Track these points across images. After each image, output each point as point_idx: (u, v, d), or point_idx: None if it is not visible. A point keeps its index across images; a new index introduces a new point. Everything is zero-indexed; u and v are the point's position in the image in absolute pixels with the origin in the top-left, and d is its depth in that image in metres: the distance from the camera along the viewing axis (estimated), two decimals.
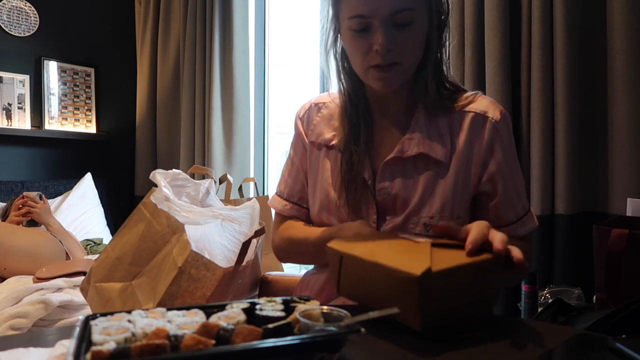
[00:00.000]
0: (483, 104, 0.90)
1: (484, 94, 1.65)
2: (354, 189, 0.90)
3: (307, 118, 1.01)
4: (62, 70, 2.90)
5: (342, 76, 0.94)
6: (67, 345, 0.56)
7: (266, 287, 1.39)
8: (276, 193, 1.06)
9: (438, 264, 0.61)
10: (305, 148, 1.00)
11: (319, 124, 0.98)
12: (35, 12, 2.81)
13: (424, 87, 0.89)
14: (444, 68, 0.91)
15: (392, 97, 0.92)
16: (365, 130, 0.92)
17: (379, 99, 0.94)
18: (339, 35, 0.92)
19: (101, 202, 2.81)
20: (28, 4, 2.78)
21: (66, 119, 2.92)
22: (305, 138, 1.00)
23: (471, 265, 0.63)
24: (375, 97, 0.94)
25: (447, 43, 0.91)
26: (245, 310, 0.57)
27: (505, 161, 0.89)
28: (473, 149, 0.88)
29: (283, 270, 1.79)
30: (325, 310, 0.56)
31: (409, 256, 0.65)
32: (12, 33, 2.73)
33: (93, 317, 0.55)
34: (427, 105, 0.89)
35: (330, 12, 0.90)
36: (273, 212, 1.71)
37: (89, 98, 3.02)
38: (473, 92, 0.93)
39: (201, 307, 0.58)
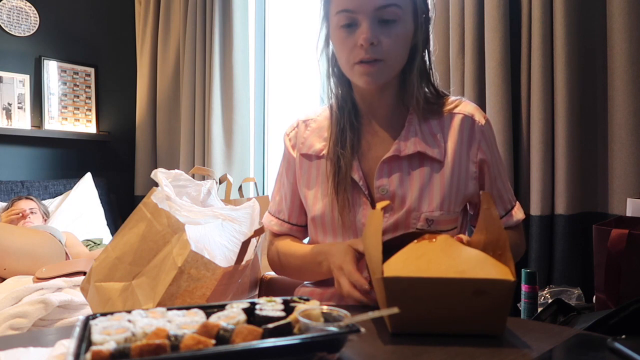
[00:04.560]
0: (469, 107, 0.95)
1: (484, 94, 1.67)
2: (343, 190, 0.92)
3: (295, 135, 1.04)
4: (62, 70, 2.90)
5: (331, 80, 0.97)
6: (67, 345, 0.56)
7: (266, 287, 1.39)
8: (267, 210, 1.12)
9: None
10: (292, 165, 1.03)
11: (309, 137, 1.01)
12: (35, 12, 2.81)
13: (413, 91, 0.91)
14: (431, 74, 0.95)
15: (380, 100, 0.94)
16: (352, 132, 0.94)
17: (367, 102, 0.96)
18: (330, 38, 0.94)
19: (101, 202, 2.81)
20: (28, 4, 2.78)
21: (66, 118, 2.92)
22: (292, 154, 1.03)
23: (458, 281, 0.62)
24: (364, 100, 0.96)
25: (432, 50, 0.94)
26: (245, 310, 0.57)
27: (492, 162, 0.95)
28: (465, 148, 0.93)
29: None
30: (325, 310, 0.56)
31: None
32: (12, 33, 2.73)
33: (93, 316, 0.55)
34: (417, 109, 0.92)
35: (322, 12, 0.93)
36: None
37: (89, 98, 3.02)
38: (457, 97, 0.97)
39: (201, 307, 0.58)
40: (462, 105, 0.95)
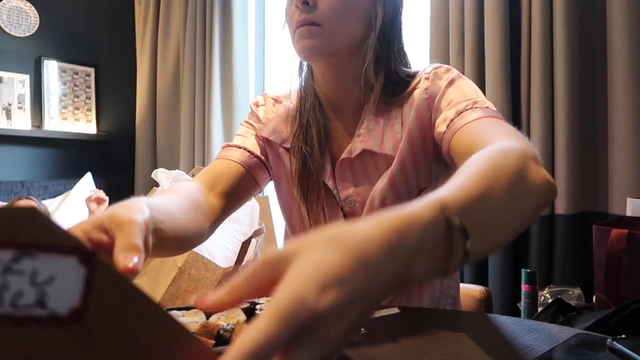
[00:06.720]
0: (425, 74, 0.81)
1: (484, 94, 1.66)
2: (316, 196, 0.82)
3: (263, 109, 0.92)
4: (62, 70, 2.90)
5: (302, 73, 0.89)
6: None
7: None
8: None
9: None
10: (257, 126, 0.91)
11: (273, 119, 0.89)
12: (35, 12, 2.81)
13: (371, 83, 0.81)
14: (392, 60, 0.82)
15: (342, 95, 0.85)
16: (317, 128, 0.83)
17: (329, 97, 0.86)
18: None
19: None
20: (28, 4, 2.78)
21: (66, 118, 2.92)
22: (261, 120, 0.91)
23: None
24: (326, 95, 0.86)
25: (401, 42, 0.84)
26: (245, 310, 0.57)
27: (441, 92, 0.78)
28: (425, 118, 0.79)
29: None
30: None
31: None
32: (12, 33, 2.73)
33: None
34: (375, 101, 0.81)
35: None
36: (272, 211, 1.70)
37: (89, 98, 3.02)
38: (423, 69, 0.84)
39: None
40: (422, 79, 0.80)
